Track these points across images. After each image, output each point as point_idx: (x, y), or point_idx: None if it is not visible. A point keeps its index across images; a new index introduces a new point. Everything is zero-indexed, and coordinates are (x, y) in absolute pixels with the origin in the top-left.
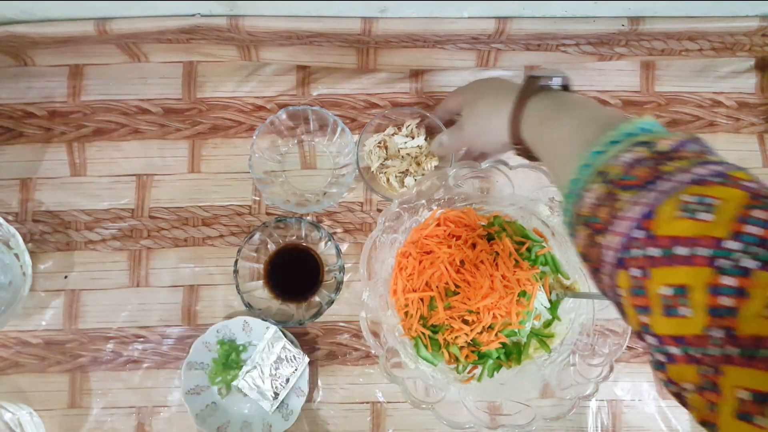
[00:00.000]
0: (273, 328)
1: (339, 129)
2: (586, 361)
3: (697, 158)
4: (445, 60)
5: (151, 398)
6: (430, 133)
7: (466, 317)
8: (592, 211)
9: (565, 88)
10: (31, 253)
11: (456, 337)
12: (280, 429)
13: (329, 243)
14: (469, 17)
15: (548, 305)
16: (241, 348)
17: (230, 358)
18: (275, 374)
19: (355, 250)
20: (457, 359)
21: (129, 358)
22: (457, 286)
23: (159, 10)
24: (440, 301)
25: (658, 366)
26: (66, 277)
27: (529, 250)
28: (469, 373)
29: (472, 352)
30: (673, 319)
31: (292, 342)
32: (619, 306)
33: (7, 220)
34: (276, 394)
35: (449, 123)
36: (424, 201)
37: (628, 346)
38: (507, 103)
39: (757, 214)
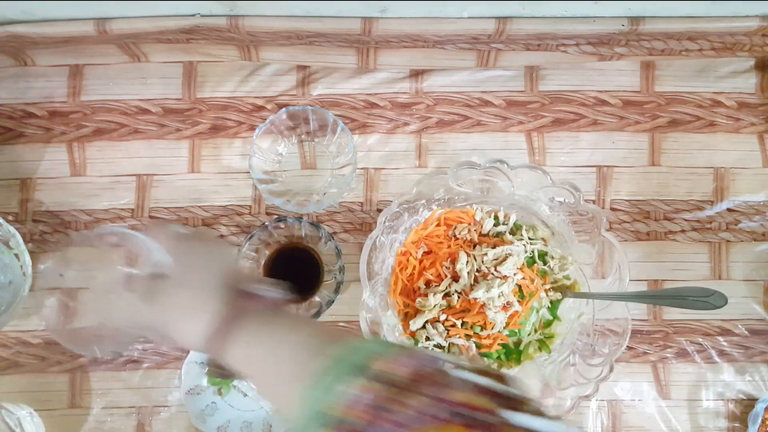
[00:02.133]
0: None
1: (339, 129)
2: (586, 361)
3: (436, 390)
4: (445, 60)
5: (151, 398)
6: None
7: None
8: None
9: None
10: (31, 253)
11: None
12: (280, 429)
13: (329, 243)
14: (469, 17)
15: (548, 304)
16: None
17: None
18: None
19: (355, 250)
20: None
21: (129, 358)
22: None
23: (159, 10)
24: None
25: None
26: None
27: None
28: None
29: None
30: None
31: None
32: None
33: (7, 220)
34: None
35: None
36: (424, 201)
37: (628, 346)
38: (209, 306)
39: None
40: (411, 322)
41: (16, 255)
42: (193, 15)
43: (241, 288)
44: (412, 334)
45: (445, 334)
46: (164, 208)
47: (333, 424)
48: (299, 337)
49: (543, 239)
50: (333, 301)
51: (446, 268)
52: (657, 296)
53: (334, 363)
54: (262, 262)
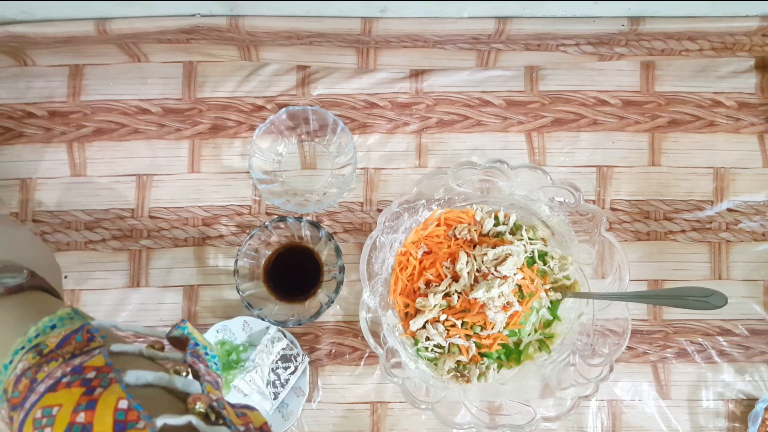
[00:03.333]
0: (273, 328)
1: (339, 129)
2: (586, 361)
3: (73, 351)
4: (445, 60)
5: None
6: None
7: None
8: None
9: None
10: None
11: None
12: (280, 429)
13: (329, 243)
14: (469, 17)
15: (548, 304)
16: (241, 348)
17: (230, 358)
18: (275, 374)
19: (355, 250)
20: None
21: None
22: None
23: (159, 10)
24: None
25: None
26: (66, 277)
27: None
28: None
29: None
30: None
31: (292, 342)
32: None
33: None
34: (276, 394)
35: None
36: (424, 201)
37: (628, 346)
38: None
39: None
40: (411, 322)
41: None
42: (193, 15)
43: None
44: (412, 334)
45: (445, 334)
46: (164, 207)
47: (9, 396)
48: (10, 318)
49: (543, 239)
50: (333, 301)
51: (446, 268)
52: (657, 296)
53: (22, 341)
54: (262, 262)
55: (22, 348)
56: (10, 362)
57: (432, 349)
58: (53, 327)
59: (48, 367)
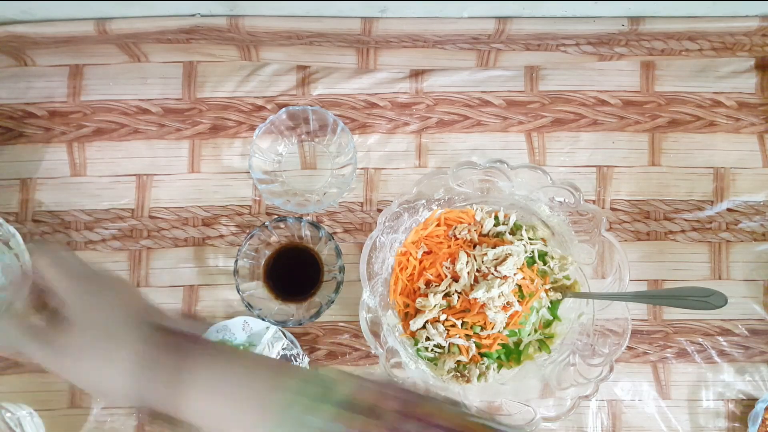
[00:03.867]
0: (273, 328)
1: (339, 129)
2: (586, 361)
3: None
4: (445, 60)
5: None
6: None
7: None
8: None
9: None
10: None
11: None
12: None
13: (329, 243)
14: (469, 17)
15: (548, 305)
16: (241, 348)
17: None
18: None
19: (355, 250)
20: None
21: None
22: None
23: (159, 10)
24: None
25: None
26: None
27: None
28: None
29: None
30: None
31: (292, 342)
32: None
33: (7, 220)
34: None
35: None
36: (424, 201)
37: (628, 346)
38: (123, 347)
39: None
40: (411, 322)
41: (17, 255)
42: (193, 15)
43: (158, 324)
44: (412, 334)
45: (445, 334)
46: (164, 208)
47: None
48: (255, 377)
49: (543, 239)
50: (333, 301)
51: (446, 268)
52: (657, 296)
53: (295, 395)
54: (262, 262)
55: (309, 404)
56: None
57: (432, 349)
58: (334, 382)
59: (399, 425)
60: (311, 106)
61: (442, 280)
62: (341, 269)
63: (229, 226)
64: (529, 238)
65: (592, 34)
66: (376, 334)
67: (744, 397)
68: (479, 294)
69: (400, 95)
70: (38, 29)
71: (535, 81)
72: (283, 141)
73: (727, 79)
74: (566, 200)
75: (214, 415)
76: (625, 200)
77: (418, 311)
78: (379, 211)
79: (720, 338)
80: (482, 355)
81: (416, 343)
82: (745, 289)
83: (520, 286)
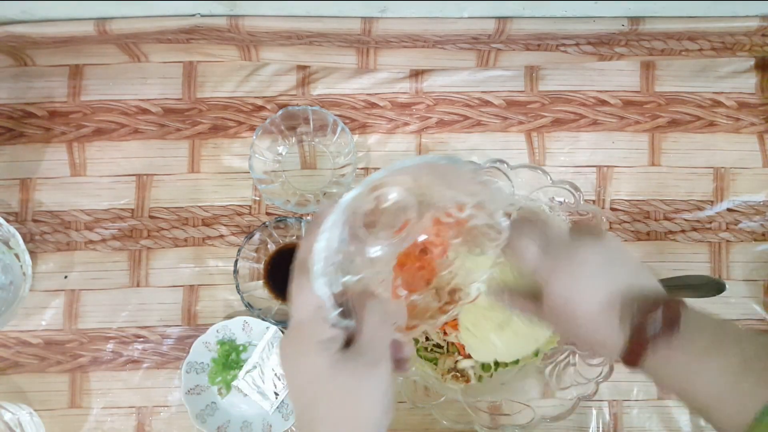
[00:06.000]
0: (273, 328)
1: (339, 129)
2: (586, 361)
3: None
4: (445, 60)
5: (151, 398)
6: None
7: None
8: None
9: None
10: (31, 253)
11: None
12: (280, 429)
13: None
14: (469, 17)
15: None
16: (241, 348)
17: (230, 358)
18: (275, 374)
19: None
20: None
21: (129, 358)
22: None
23: (159, 10)
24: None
25: None
26: (66, 277)
27: None
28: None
29: None
30: None
31: None
32: None
33: (7, 220)
34: (276, 394)
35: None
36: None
37: None
38: (617, 311)
39: None
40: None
41: (17, 255)
42: (193, 15)
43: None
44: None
45: (441, 334)
46: (164, 208)
47: None
48: (748, 351)
49: None
50: None
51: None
52: None
53: None
54: (262, 262)
55: None
56: None
57: (431, 350)
58: None
59: None
60: (311, 106)
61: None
62: None
63: (229, 226)
64: None
65: (592, 34)
66: None
67: None
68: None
69: (400, 95)
70: (38, 29)
71: (535, 81)
72: (283, 141)
73: (727, 79)
74: (566, 200)
75: (698, 377)
76: (625, 200)
77: None
78: None
79: None
80: None
81: (416, 343)
82: (745, 289)
83: None
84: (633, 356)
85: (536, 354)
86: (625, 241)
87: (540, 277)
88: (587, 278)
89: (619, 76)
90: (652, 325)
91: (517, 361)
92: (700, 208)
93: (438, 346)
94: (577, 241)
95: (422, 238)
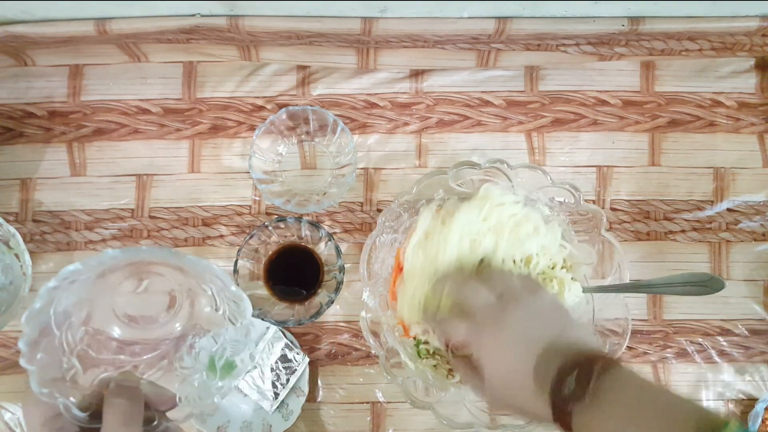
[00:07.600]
0: (273, 328)
1: (339, 129)
2: None
3: None
4: (445, 60)
5: None
6: None
7: None
8: None
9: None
10: (31, 253)
11: None
12: (280, 429)
13: (329, 243)
14: (469, 17)
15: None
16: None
17: None
18: (275, 374)
19: (355, 250)
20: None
21: None
22: None
23: (159, 10)
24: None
25: None
26: None
27: None
28: None
29: None
30: None
31: (292, 342)
32: None
33: (7, 220)
34: (276, 394)
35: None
36: (424, 201)
37: (628, 346)
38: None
39: None
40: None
41: (17, 255)
42: (193, 15)
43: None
44: (413, 336)
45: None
46: (164, 208)
47: None
48: (663, 400)
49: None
50: (333, 301)
51: None
52: (655, 285)
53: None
54: (262, 262)
55: None
56: None
57: (432, 353)
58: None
59: None
60: (311, 106)
61: None
62: (341, 269)
63: (229, 226)
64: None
65: (592, 34)
66: (376, 334)
67: (744, 397)
68: None
69: (400, 95)
70: (38, 29)
71: (535, 81)
72: (283, 141)
73: (727, 79)
74: (566, 200)
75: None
76: (625, 200)
77: None
78: (379, 211)
79: (720, 338)
80: None
81: (417, 344)
82: (745, 289)
83: None
84: (561, 417)
85: None
86: (625, 241)
87: (470, 352)
88: (508, 346)
89: (619, 76)
90: (566, 387)
91: None
92: (700, 208)
93: (438, 349)
94: (502, 303)
95: None
